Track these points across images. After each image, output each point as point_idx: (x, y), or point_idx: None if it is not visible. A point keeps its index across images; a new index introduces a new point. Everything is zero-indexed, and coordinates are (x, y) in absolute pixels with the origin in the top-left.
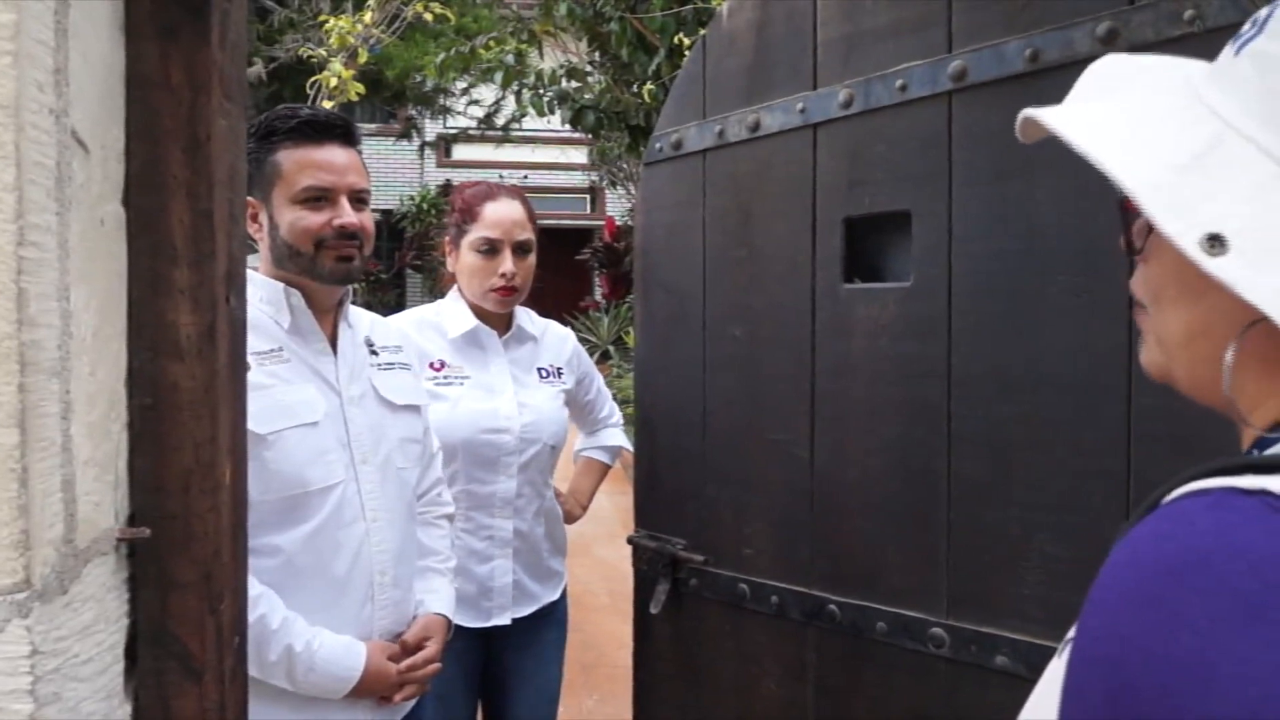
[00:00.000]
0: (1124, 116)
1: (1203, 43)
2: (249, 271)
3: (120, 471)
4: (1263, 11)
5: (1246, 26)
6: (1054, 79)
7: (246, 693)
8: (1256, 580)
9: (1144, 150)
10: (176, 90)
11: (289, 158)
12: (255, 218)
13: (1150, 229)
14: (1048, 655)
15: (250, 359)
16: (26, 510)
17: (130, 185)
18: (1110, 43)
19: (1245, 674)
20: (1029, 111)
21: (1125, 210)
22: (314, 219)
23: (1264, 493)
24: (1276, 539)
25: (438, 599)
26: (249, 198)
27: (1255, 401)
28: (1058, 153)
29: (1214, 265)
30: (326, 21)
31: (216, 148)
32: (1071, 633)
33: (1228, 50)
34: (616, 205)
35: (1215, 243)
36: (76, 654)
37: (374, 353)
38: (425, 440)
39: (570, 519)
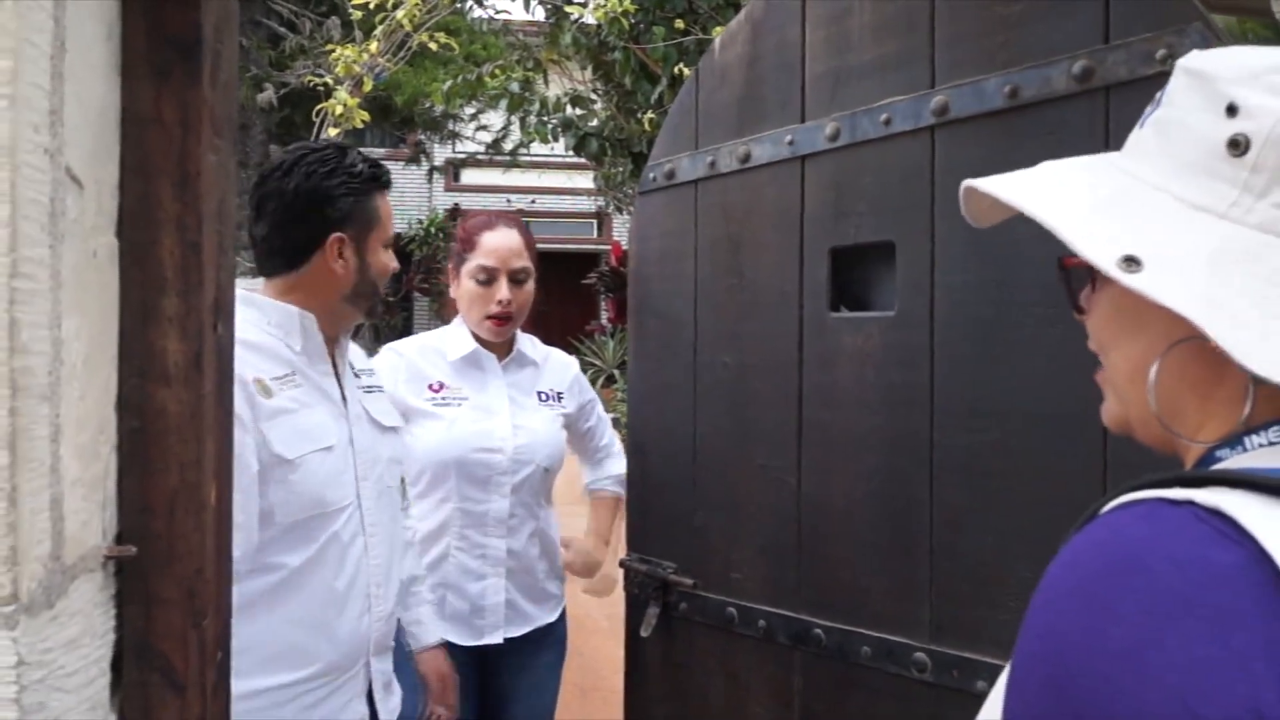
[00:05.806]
0: (1045, 178)
1: None
2: (256, 295)
3: (109, 492)
4: (1160, 93)
5: (1148, 108)
6: (1032, 115)
7: (229, 706)
8: (1182, 580)
9: (1063, 199)
10: (169, 128)
11: (386, 206)
12: (341, 252)
13: (1090, 287)
14: None
15: (270, 384)
16: (15, 528)
17: (123, 219)
18: (1086, 80)
19: (1174, 662)
20: (970, 183)
21: (1065, 269)
22: (392, 263)
23: (1190, 503)
24: (1200, 545)
25: (426, 631)
26: (340, 233)
27: (1198, 424)
28: None
29: (1132, 280)
30: (335, 50)
31: (206, 183)
32: None
33: (1134, 130)
34: (623, 230)
35: (1131, 263)
36: (62, 666)
37: (356, 375)
38: (404, 462)
39: (595, 565)
